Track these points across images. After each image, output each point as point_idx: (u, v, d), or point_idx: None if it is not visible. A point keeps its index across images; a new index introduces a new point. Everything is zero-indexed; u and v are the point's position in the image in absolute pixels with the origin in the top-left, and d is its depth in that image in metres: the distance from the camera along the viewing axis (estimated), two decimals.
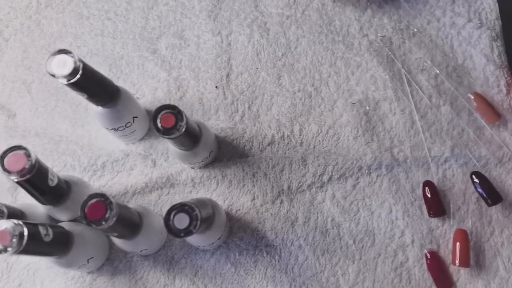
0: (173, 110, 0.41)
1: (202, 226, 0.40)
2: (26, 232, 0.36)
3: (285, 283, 0.50)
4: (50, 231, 0.40)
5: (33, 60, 0.59)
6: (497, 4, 0.59)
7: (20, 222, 0.37)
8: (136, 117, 0.50)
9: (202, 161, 0.50)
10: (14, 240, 0.36)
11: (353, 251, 0.51)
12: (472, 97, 0.55)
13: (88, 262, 0.46)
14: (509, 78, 0.57)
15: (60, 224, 0.45)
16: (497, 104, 0.55)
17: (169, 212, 0.39)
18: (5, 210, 0.42)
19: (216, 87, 0.56)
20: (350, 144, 0.54)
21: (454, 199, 0.52)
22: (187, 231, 0.38)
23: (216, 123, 0.55)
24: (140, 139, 0.55)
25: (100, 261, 0.50)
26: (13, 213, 0.44)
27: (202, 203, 0.43)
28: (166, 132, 0.41)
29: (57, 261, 0.44)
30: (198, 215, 0.39)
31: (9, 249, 0.36)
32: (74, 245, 0.44)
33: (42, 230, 0.39)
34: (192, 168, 0.53)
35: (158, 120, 0.41)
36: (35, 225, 0.38)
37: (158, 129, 0.41)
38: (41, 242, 0.39)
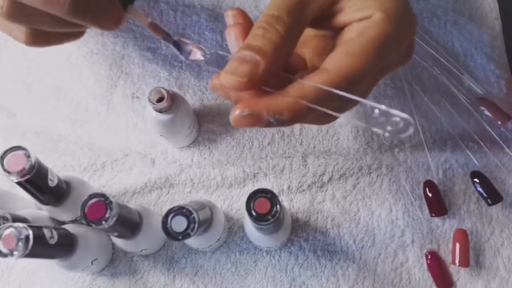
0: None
1: (200, 229, 0.40)
2: (31, 235, 0.36)
3: (285, 283, 0.50)
4: (55, 233, 0.40)
5: (33, 60, 0.59)
6: (497, 4, 0.59)
7: (25, 225, 0.37)
8: None
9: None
10: (20, 243, 0.36)
11: (353, 251, 0.51)
12: (484, 110, 0.55)
13: (92, 264, 0.46)
14: (509, 77, 0.57)
15: (63, 226, 0.45)
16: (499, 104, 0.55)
17: (166, 215, 0.39)
18: (9, 217, 0.42)
19: None
20: (350, 144, 0.54)
21: (454, 199, 0.52)
22: (185, 234, 0.38)
23: (216, 123, 0.55)
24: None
25: (104, 262, 0.50)
26: (17, 220, 0.44)
27: (200, 205, 0.43)
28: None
29: (61, 263, 0.44)
30: (196, 217, 0.39)
31: (15, 252, 0.36)
32: (78, 247, 0.44)
33: (47, 232, 0.39)
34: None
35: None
36: (40, 228, 0.38)
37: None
38: (46, 244, 0.39)
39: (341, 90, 0.30)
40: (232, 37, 0.33)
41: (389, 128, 0.28)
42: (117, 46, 0.59)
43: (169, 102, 0.46)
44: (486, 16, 0.59)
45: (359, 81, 0.32)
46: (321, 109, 0.30)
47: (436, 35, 0.58)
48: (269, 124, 0.31)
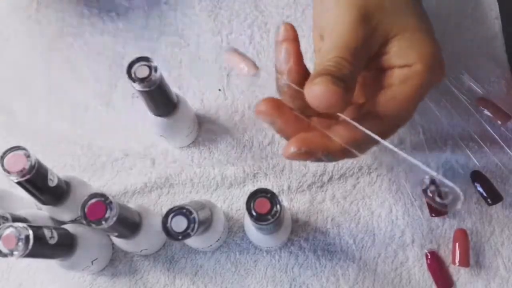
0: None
1: (200, 229, 0.40)
2: (31, 235, 0.36)
3: (285, 283, 0.50)
4: (55, 233, 0.40)
5: (33, 60, 0.59)
6: (497, 4, 0.59)
7: (25, 225, 0.37)
8: None
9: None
10: (20, 243, 0.36)
11: (353, 251, 0.51)
12: (484, 110, 0.55)
13: (92, 264, 0.46)
14: (509, 77, 0.57)
15: (63, 226, 0.45)
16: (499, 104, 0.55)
17: (166, 214, 0.39)
18: (9, 217, 0.42)
19: (220, 90, 0.56)
20: None
21: None
22: (185, 234, 0.38)
23: (216, 122, 0.55)
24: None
25: (104, 262, 0.50)
26: (17, 220, 0.44)
27: (200, 205, 0.43)
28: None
29: (61, 263, 0.44)
30: (196, 217, 0.39)
31: (15, 252, 0.36)
32: (78, 247, 0.44)
33: (47, 232, 0.39)
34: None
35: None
36: (40, 227, 0.38)
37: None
38: (46, 244, 0.39)
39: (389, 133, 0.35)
40: (283, 52, 0.34)
41: (438, 199, 0.31)
42: (117, 46, 0.59)
43: None
44: (486, 16, 0.58)
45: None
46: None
47: (436, 35, 0.58)
48: (318, 160, 0.33)
